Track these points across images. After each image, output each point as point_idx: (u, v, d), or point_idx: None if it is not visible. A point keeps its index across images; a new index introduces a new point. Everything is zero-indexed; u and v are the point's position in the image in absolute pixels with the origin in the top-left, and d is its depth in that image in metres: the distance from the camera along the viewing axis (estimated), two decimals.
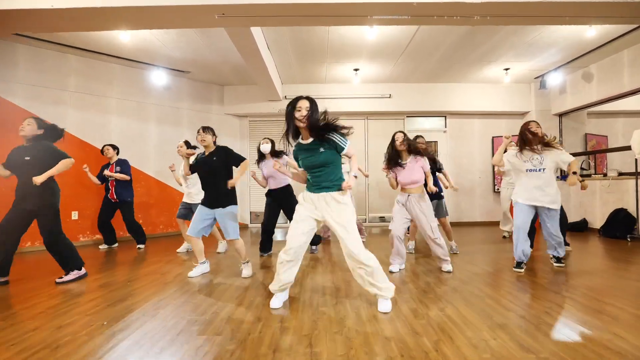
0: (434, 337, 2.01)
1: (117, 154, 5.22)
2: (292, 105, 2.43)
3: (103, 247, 5.18)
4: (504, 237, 5.70)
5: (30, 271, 3.78)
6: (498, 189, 7.68)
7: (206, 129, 3.44)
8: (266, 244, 4.51)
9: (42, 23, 3.24)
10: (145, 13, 3.14)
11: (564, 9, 3.09)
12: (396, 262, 3.58)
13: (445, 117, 7.85)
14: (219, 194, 3.40)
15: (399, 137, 3.51)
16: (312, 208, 2.50)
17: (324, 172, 2.47)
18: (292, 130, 2.47)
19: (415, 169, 3.47)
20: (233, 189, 3.46)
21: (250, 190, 7.87)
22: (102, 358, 1.82)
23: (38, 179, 3.13)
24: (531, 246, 4.10)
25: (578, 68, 6.49)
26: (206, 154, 3.46)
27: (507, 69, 6.53)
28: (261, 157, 4.40)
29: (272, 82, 6.23)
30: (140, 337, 2.07)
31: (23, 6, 2.95)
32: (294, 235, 2.47)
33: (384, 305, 2.44)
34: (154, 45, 5.34)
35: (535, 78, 7.04)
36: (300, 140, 2.54)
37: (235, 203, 3.48)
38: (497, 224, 7.66)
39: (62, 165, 3.27)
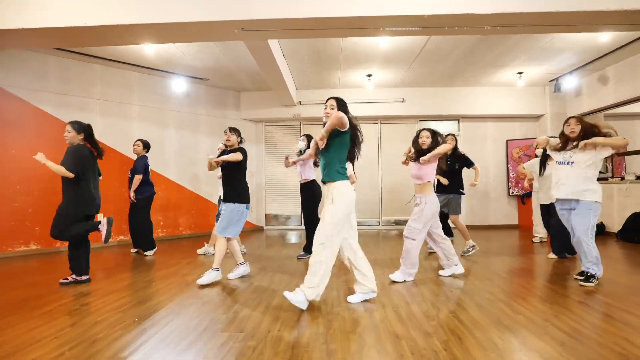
0: (444, 338, 2.11)
1: (146, 150, 5.12)
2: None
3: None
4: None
5: (46, 273, 4.01)
6: (512, 193, 7.67)
7: (232, 130, 3.64)
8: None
9: (77, 39, 3.51)
10: (169, 29, 3.33)
11: (574, 19, 3.14)
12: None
13: (458, 120, 7.88)
14: (228, 188, 3.54)
15: (423, 136, 3.42)
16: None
17: (323, 158, 2.75)
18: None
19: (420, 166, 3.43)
20: (243, 186, 3.58)
21: (265, 192, 8.05)
22: (136, 351, 1.99)
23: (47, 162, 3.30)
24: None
25: (594, 71, 6.44)
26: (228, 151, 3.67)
27: (520, 73, 6.53)
28: (300, 153, 4.63)
29: (287, 88, 6.40)
30: (168, 333, 2.24)
31: (60, 24, 3.22)
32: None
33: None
34: (176, 55, 5.57)
35: (550, 81, 7.01)
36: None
37: (240, 202, 3.53)
38: (512, 227, 7.67)
39: (56, 168, 3.32)
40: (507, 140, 7.78)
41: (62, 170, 3.31)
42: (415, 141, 3.46)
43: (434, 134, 3.40)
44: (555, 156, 3.38)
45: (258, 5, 3.18)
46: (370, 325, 2.32)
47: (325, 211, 2.65)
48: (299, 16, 3.20)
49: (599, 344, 2.02)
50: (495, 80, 7.07)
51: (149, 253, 4.98)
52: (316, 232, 2.63)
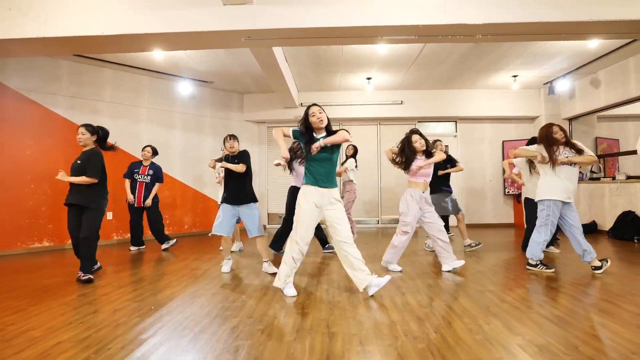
0: (435, 323, 2.32)
1: (154, 156, 5.43)
2: (307, 112, 3.07)
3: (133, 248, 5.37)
4: None
5: (61, 267, 4.20)
6: (508, 192, 7.88)
7: (233, 137, 3.85)
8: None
9: (94, 46, 3.75)
10: (180, 37, 3.55)
11: (560, 28, 3.35)
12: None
13: (455, 122, 8.10)
14: (241, 191, 3.78)
15: (416, 139, 3.65)
16: (319, 201, 2.92)
17: (328, 165, 2.94)
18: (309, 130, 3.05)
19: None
20: (252, 186, 3.88)
21: (268, 192, 8.27)
22: (155, 334, 2.20)
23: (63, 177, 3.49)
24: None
25: (586, 74, 6.65)
26: (231, 156, 3.88)
27: (515, 76, 6.75)
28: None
29: (289, 91, 6.61)
30: (183, 319, 2.45)
31: (79, 33, 3.46)
32: (308, 230, 2.93)
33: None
34: (183, 60, 5.80)
35: (544, 84, 7.22)
36: (314, 134, 3.05)
37: (256, 200, 3.89)
38: (507, 225, 7.87)
39: (80, 180, 3.49)
40: (503, 141, 7.99)
41: (87, 180, 3.49)
42: (410, 146, 3.63)
43: (421, 135, 3.67)
44: (562, 160, 3.49)
45: (264, 16, 3.40)
46: (369, 312, 2.53)
47: (341, 213, 2.94)
48: (301, 26, 3.41)
49: (575, 327, 2.22)
50: (491, 83, 7.28)
51: (166, 245, 5.34)
52: (348, 231, 2.93)
